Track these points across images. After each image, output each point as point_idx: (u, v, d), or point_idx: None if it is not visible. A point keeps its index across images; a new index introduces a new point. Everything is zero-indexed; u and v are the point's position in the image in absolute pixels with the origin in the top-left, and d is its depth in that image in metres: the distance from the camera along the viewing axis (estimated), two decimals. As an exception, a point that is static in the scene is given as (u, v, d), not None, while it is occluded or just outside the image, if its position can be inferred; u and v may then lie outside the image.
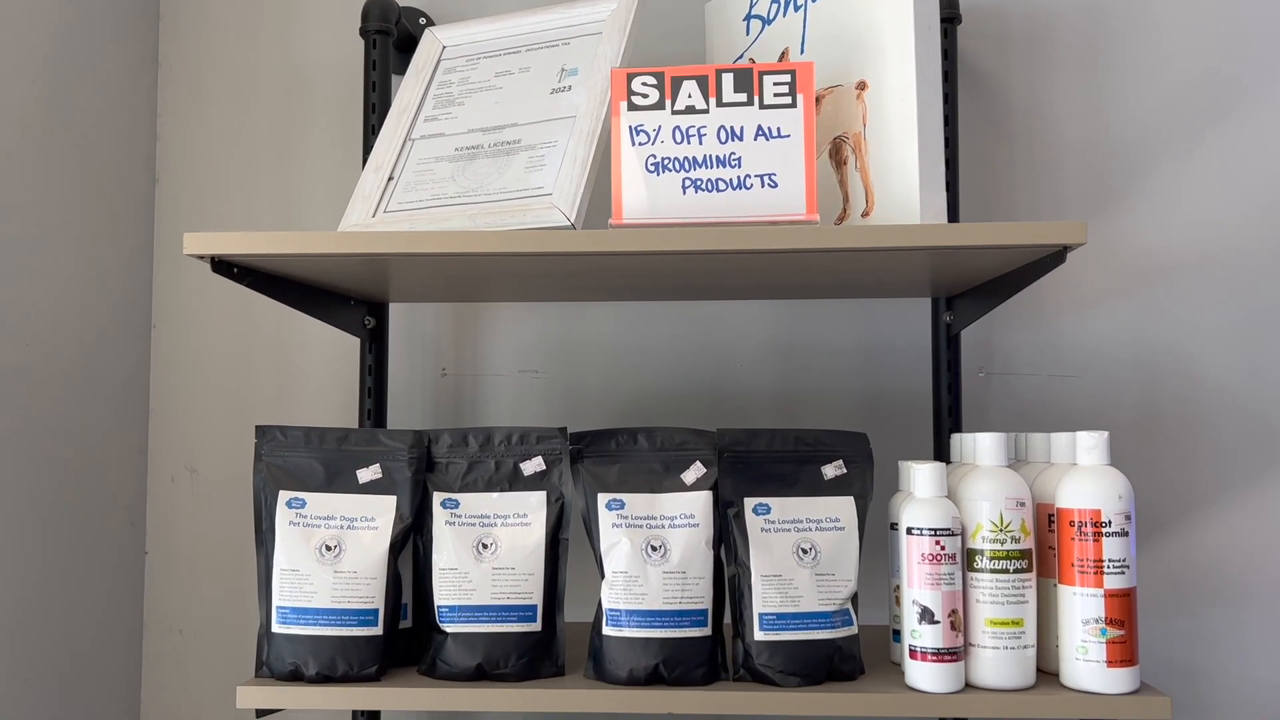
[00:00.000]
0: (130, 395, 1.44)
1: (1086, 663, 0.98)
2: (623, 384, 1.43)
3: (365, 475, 1.06)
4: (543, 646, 1.04)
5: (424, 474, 1.08)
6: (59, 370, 1.29)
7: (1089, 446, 1.00)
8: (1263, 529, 1.37)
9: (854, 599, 1.04)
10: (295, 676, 1.01)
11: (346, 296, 1.29)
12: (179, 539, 1.46)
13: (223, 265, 1.06)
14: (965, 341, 1.36)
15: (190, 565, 1.45)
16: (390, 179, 1.15)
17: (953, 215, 1.25)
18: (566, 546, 1.07)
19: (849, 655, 1.03)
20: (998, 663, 0.99)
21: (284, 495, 1.04)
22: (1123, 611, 0.97)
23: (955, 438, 1.14)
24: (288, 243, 1.02)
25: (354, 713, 1.30)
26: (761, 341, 1.43)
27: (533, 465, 1.08)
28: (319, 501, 1.05)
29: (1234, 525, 1.37)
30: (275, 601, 1.02)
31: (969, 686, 0.99)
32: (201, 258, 1.04)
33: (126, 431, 1.43)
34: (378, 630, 1.02)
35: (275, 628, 1.02)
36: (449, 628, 1.03)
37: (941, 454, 1.28)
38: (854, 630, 1.04)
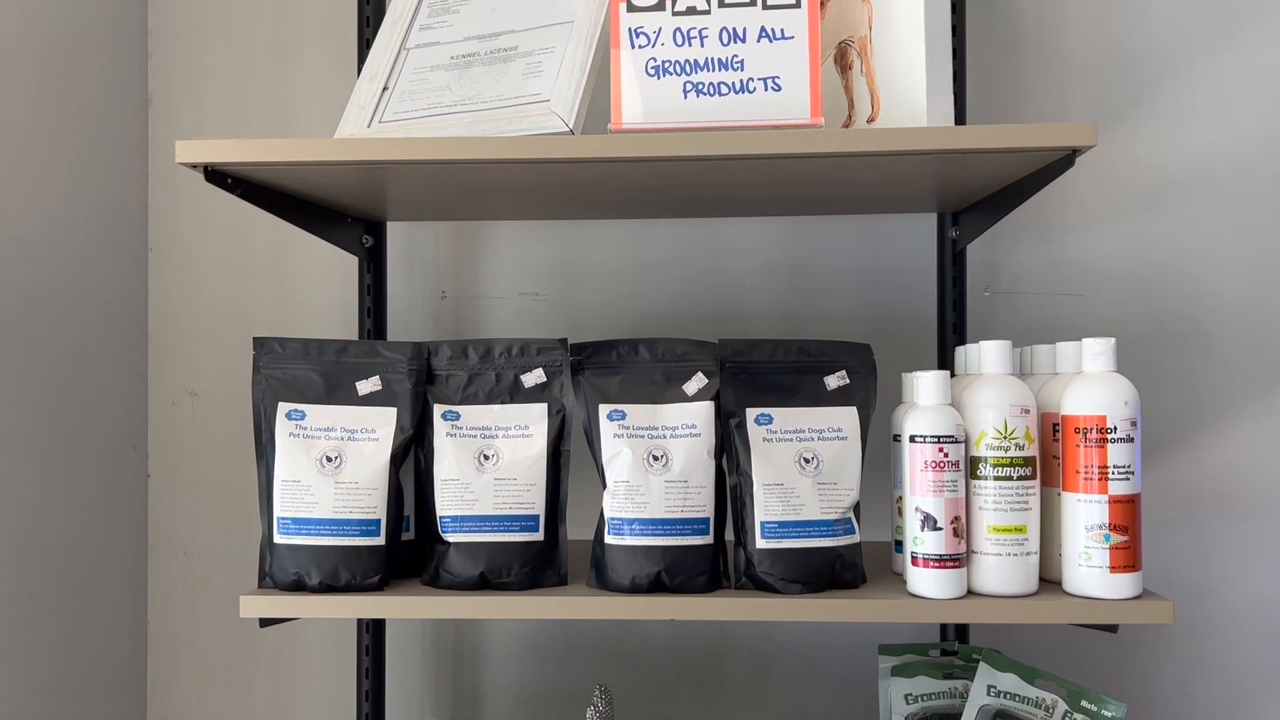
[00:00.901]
0: (128, 319, 1.43)
1: (1089, 569, 0.97)
2: (624, 306, 1.42)
3: (365, 387, 1.06)
4: (545, 556, 1.04)
5: (424, 386, 1.07)
6: (56, 294, 1.28)
7: (1096, 352, 0.99)
8: (1268, 446, 1.36)
9: (856, 508, 1.04)
10: (298, 587, 1.01)
11: (344, 214, 1.28)
12: (181, 462, 1.46)
13: (216, 175, 1.04)
14: (971, 261, 1.34)
15: (193, 488, 1.46)
16: (385, 89, 1.12)
17: (959, 124, 1.23)
18: (568, 458, 1.07)
19: (850, 564, 1.03)
20: (1000, 569, 0.98)
21: (283, 407, 1.04)
22: (1126, 518, 0.97)
23: (959, 350, 1.13)
24: (282, 150, 1.00)
25: (359, 623, 1.31)
26: (765, 262, 1.41)
27: (533, 377, 1.07)
28: (318, 413, 1.04)
29: (1239, 442, 1.37)
30: (276, 512, 1.02)
31: (971, 593, 1.00)
32: (194, 167, 1.02)
33: (126, 355, 1.43)
34: (380, 541, 1.02)
35: (277, 538, 1.02)
36: (451, 538, 1.03)
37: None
38: (856, 539, 1.03)
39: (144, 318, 1.46)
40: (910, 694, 1.23)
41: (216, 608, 1.45)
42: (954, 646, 1.27)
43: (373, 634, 1.31)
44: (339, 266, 1.41)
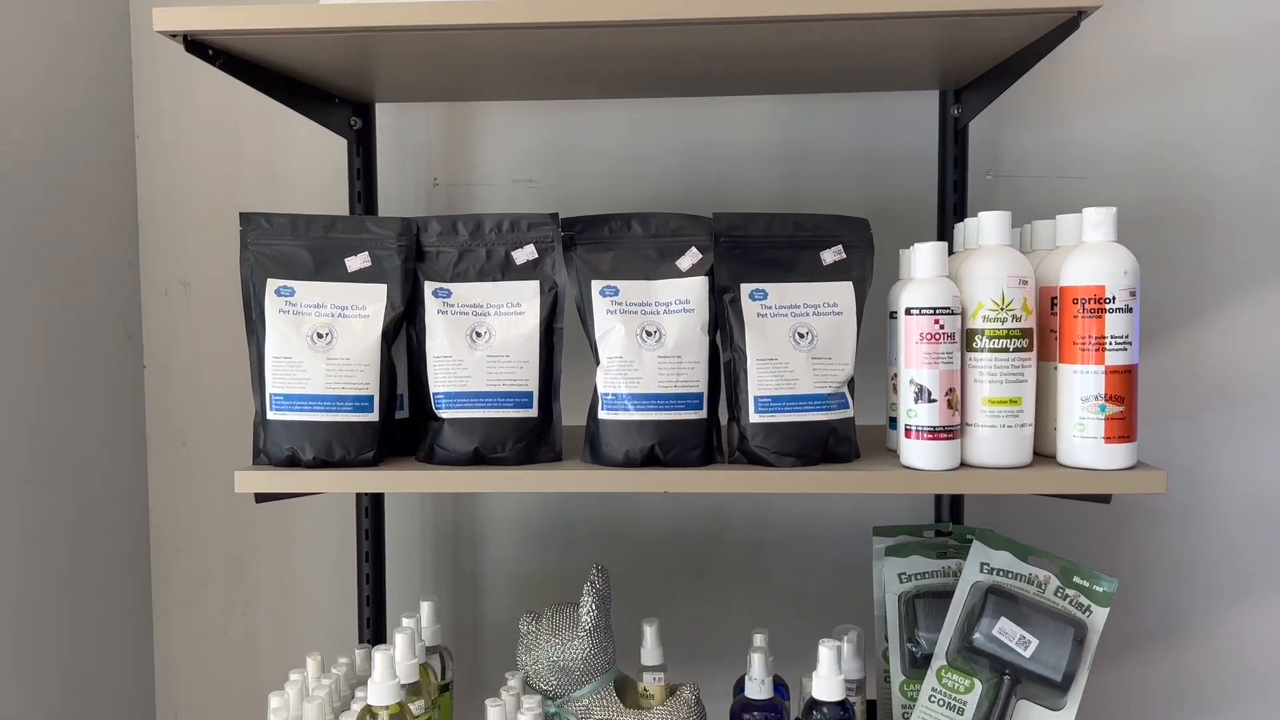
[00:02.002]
0: (118, 208, 1.41)
1: (1084, 439, 0.97)
2: (619, 191, 1.40)
3: (354, 263, 1.04)
4: (539, 433, 1.04)
5: (414, 263, 1.05)
6: (44, 182, 1.26)
7: (1096, 222, 0.97)
8: (1269, 331, 1.35)
9: (850, 384, 1.04)
10: (292, 462, 1.01)
11: (331, 94, 1.25)
12: (176, 353, 1.46)
13: (196, 46, 1.01)
14: (973, 143, 1.32)
15: (189, 378, 1.46)
16: (369, -43, 1.08)
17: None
18: (561, 335, 1.06)
19: (844, 438, 1.03)
20: (994, 441, 0.98)
21: (272, 284, 1.03)
22: (1123, 388, 0.96)
23: (958, 227, 1.12)
24: (263, 17, 0.97)
25: (358, 506, 1.32)
26: (762, 144, 1.38)
27: (524, 254, 1.06)
28: (307, 290, 1.03)
29: (1240, 327, 1.36)
30: (269, 389, 1.01)
31: (964, 465, 0.99)
32: (173, 36, 0.99)
33: (116, 245, 1.41)
34: (373, 417, 1.02)
35: (270, 414, 1.01)
36: (445, 414, 1.03)
37: (944, 252, 1.25)
38: (849, 414, 1.03)
39: (133, 207, 1.44)
40: (904, 573, 1.24)
41: (216, 496, 1.46)
42: (948, 527, 1.28)
43: (372, 517, 1.32)
44: (329, 154, 1.39)
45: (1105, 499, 0.98)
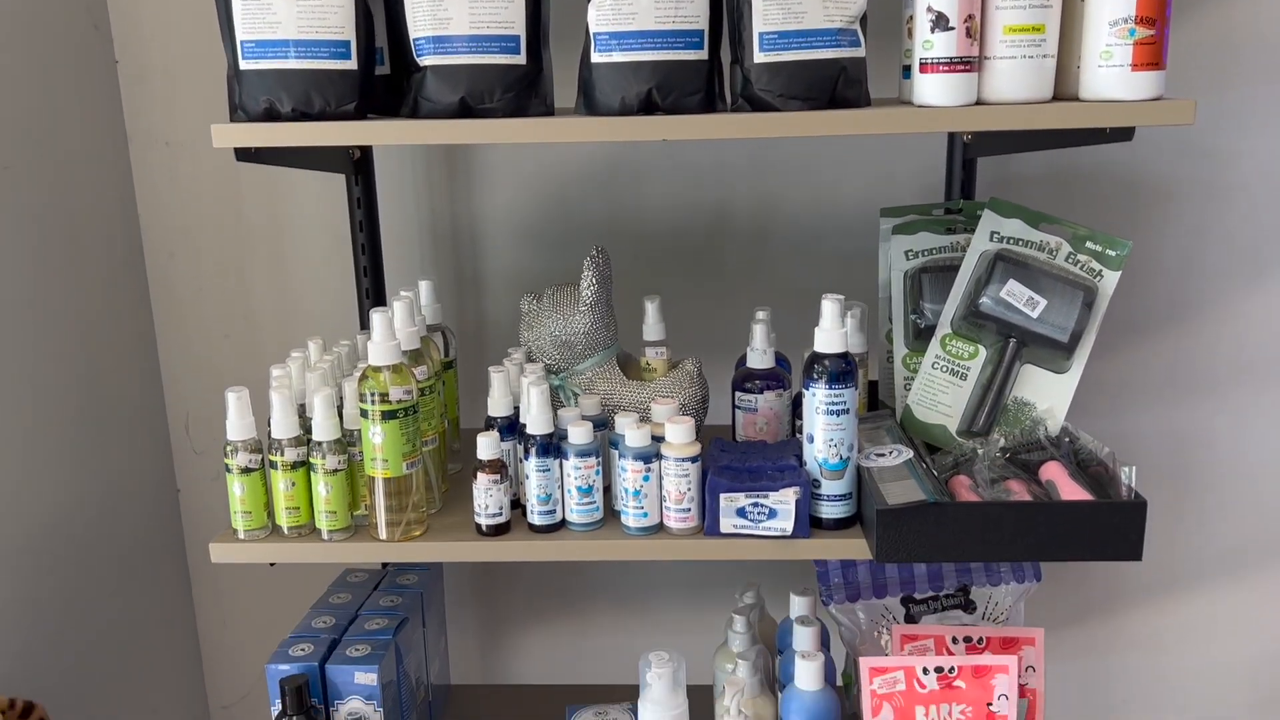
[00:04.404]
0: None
1: (1109, 69, 0.91)
2: None
3: (320, -105, 0.95)
4: (529, 82, 0.98)
5: (386, -105, 0.96)
6: None
7: None
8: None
9: (863, 21, 0.96)
10: (270, 115, 0.96)
11: None
12: (149, 52, 1.37)
13: None
14: None
15: (165, 75, 1.38)
16: None
17: None
18: (549, -23, 0.98)
19: (854, 79, 0.96)
20: (1013, 73, 0.92)
21: (233, -81, 0.94)
22: (1155, 9, 0.89)
23: None
24: None
25: (349, 191, 1.28)
26: None
27: (507, -117, 0.96)
28: (272, -76, 0.94)
29: None
30: (239, 36, 0.95)
31: (981, 102, 0.94)
32: None
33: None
34: (352, 65, 0.96)
35: (243, 64, 0.95)
36: (427, 61, 0.97)
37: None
38: (861, 53, 0.96)
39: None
40: (911, 250, 1.21)
41: (205, 199, 1.42)
42: (958, 204, 1.24)
43: (365, 209, 1.29)
44: None
45: (1128, 134, 0.93)
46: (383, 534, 1.04)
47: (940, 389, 1.13)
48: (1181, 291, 1.38)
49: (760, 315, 1.17)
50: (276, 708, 1.11)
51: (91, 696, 1.33)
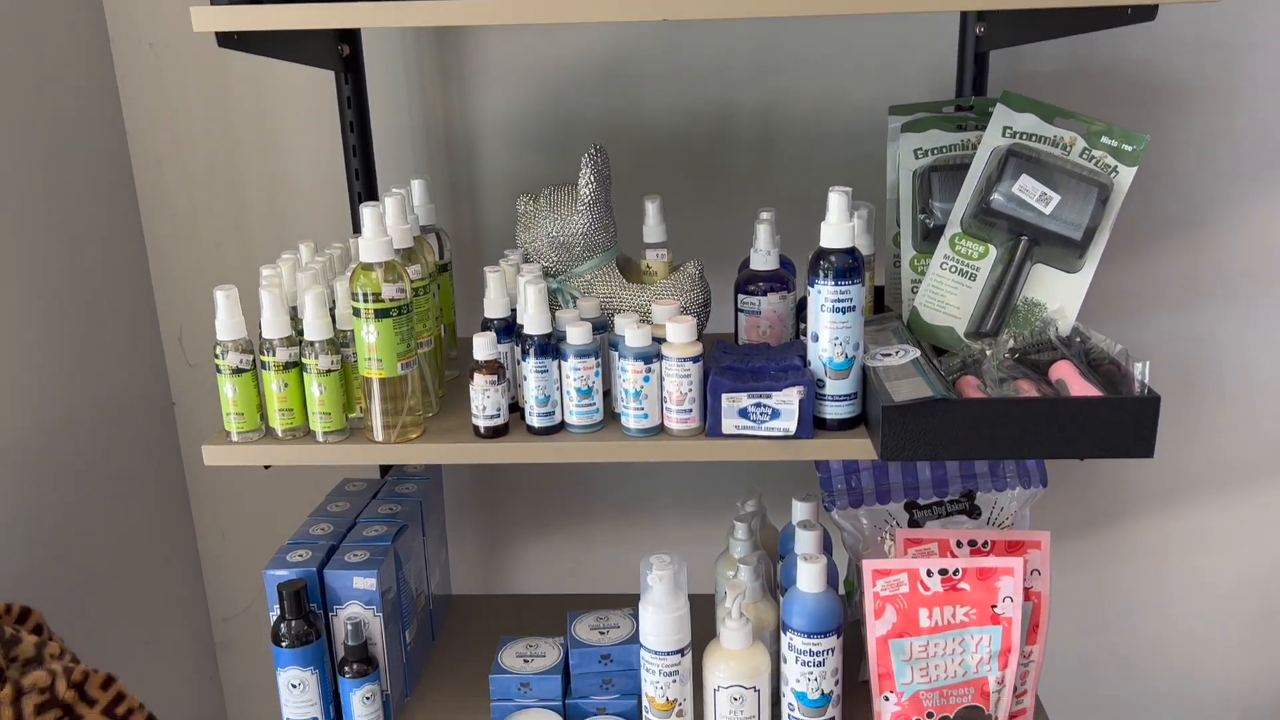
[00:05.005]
0: None
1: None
2: None
3: None
4: (523, -38, 0.93)
5: None
6: None
7: None
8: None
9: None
10: (253, -1, 0.92)
11: None
12: (127, -60, 1.32)
13: None
14: None
15: (145, -31, 1.33)
16: None
17: None
18: None
19: (864, -42, 0.92)
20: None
21: None
22: (1184, -123, 0.84)
23: None
24: None
25: (338, 89, 1.24)
26: None
27: None
28: None
29: None
30: (217, -87, 0.90)
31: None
32: None
33: None
34: (337, -56, 0.91)
35: (222, -57, 0.91)
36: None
37: None
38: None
39: None
40: (920, 148, 1.17)
41: (192, 103, 1.38)
42: (969, 101, 1.19)
43: (355, 109, 1.24)
44: None
45: (1150, 13, 0.89)
46: (379, 436, 1.02)
47: (948, 290, 1.10)
48: (1197, 196, 1.35)
49: (764, 215, 1.14)
50: (275, 613, 1.10)
51: (92, 611, 1.33)
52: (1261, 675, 1.54)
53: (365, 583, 1.12)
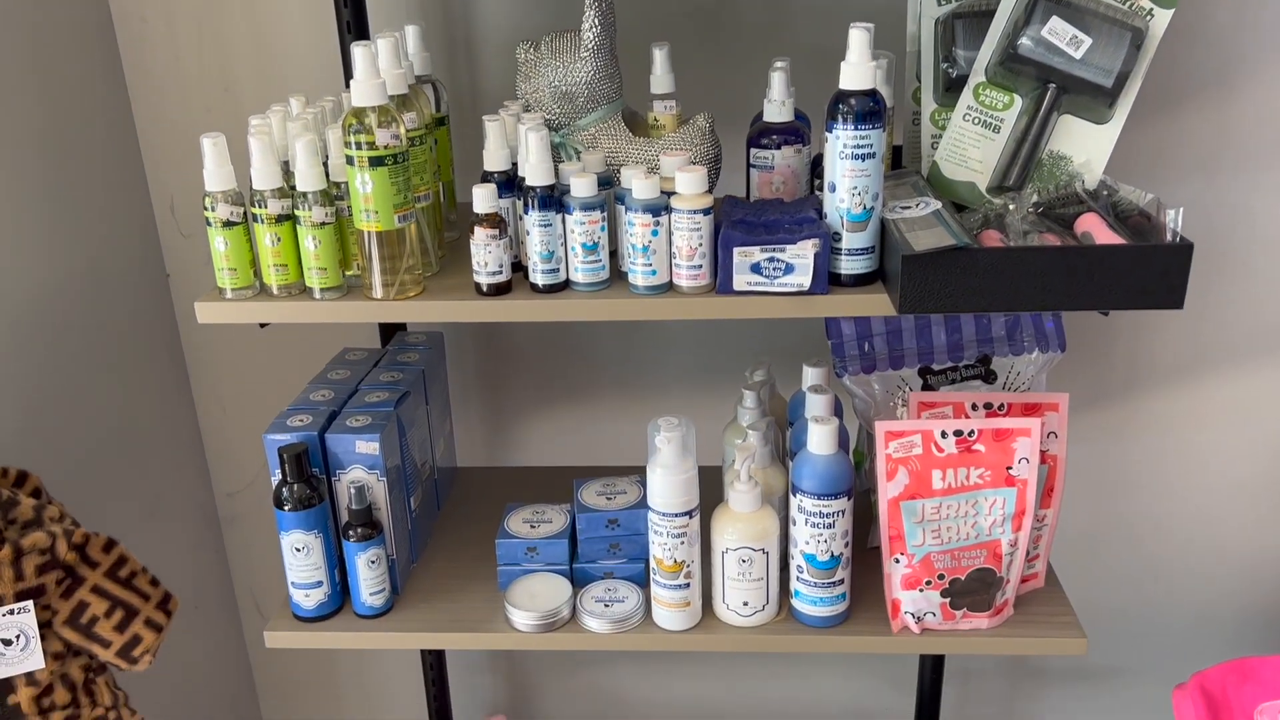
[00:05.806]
0: None
1: None
2: None
3: None
4: None
5: None
6: None
7: None
8: None
9: None
10: None
11: None
12: None
13: None
14: None
15: None
16: None
17: None
18: None
19: None
20: None
21: None
22: None
23: None
24: None
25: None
26: None
27: None
28: None
29: None
30: None
31: None
32: None
33: None
34: None
35: None
36: None
37: None
38: None
39: None
40: (943, -6, 1.10)
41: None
42: (998, -54, 1.12)
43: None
44: None
45: None
46: (377, 293, 0.99)
47: (971, 143, 1.05)
48: (1229, 56, 1.28)
49: (779, 64, 1.08)
50: (277, 477, 1.08)
51: (92, 485, 1.31)
52: (1267, 550, 1.54)
53: (368, 447, 1.10)
